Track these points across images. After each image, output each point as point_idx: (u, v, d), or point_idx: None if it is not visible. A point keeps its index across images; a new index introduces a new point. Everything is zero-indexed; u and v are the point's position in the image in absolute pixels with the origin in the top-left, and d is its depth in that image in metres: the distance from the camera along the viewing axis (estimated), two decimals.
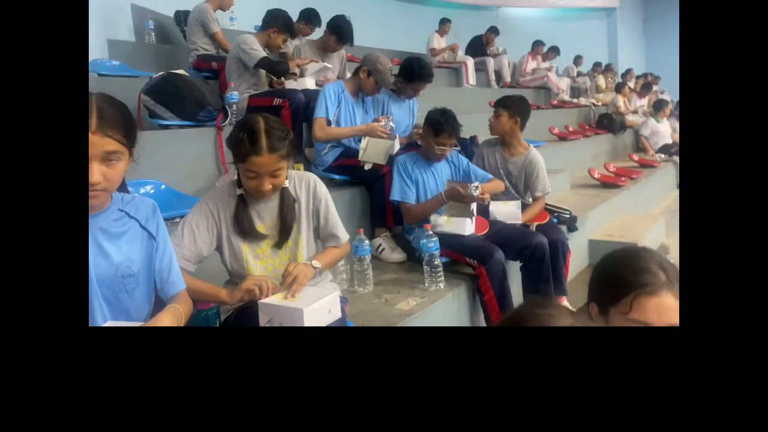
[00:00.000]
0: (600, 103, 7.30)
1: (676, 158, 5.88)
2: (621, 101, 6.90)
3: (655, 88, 8.56)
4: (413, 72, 2.86)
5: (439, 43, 6.77)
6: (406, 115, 3.11)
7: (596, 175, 4.55)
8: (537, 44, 7.59)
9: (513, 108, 2.72)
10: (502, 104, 2.75)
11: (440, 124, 2.38)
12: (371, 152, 2.63)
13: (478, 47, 7.14)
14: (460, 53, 6.80)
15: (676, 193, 5.62)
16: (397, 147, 2.67)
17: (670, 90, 9.48)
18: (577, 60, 8.69)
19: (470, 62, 6.60)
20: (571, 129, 5.98)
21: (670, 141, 6.23)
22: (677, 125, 6.61)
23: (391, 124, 2.70)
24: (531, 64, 7.36)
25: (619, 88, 7.15)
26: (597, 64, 8.74)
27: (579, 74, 8.44)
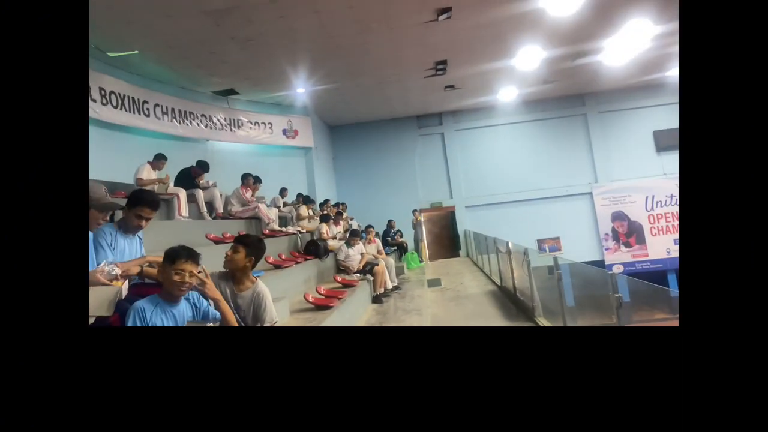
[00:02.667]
0: (305, 231, 8.27)
1: (370, 276, 7.09)
2: (324, 228, 8.02)
3: (345, 215, 10.23)
4: (136, 197, 2.79)
5: (150, 174, 6.61)
6: (135, 248, 2.89)
7: (311, 299, 5.08)
8: (246, 176, 8.21)
9: (251, 247, 2.94)
10: (241, 241, 2.95)
11: (175, 250, 2.37)
12: (93, 303, 2.36)
13: (188, 179, 7.24)
14: (171, 185, 6.78)
15: (372, 307, 6.71)
16: (125, 292, 2.48)
17: (356, 217, 11.49)
18: (283, 192, 9.75)
19: (182, 194, 6.62)
20: (283, 257, 6.55)
21: (360, 263, 7.48)
22: (371, 248, 8.02)
23: (116, 269, 2.47)
24: (247, 195, 7.86)
25: (325, 219, 8.31)
26: (299, 195, 9.98)
27: (285, 204, 9.44)
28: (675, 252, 13.93)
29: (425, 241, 13.84)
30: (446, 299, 8.17)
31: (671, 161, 14.42)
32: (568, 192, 14.63)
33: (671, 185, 14.20)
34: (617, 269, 13.33)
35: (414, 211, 13.68)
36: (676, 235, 14.00)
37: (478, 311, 7.29)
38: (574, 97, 14.92)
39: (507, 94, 13.71)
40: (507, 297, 8.03)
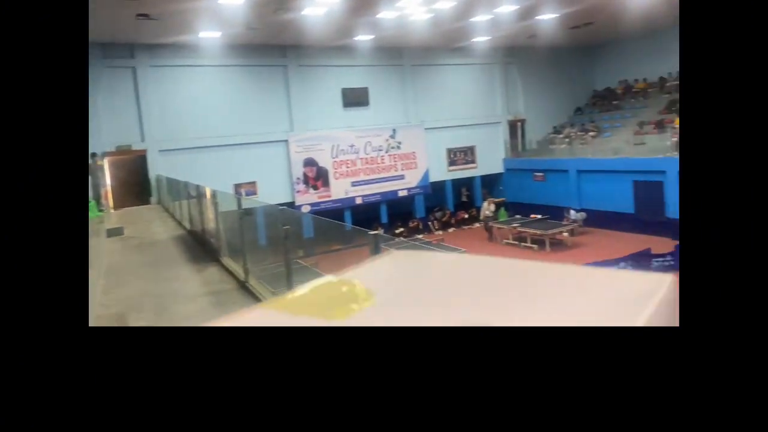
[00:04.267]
0: None
1: None
2: None
3: None
4: None
5: None
6: None
7: None
8: None
9: None
10: None
11: None
12: None
13: None
14: None
15: None
16: None
17: None
18: None
19: None
20: None
21: None
22: None
23: None
24: None
25: None
26: None
27: None
28: (352, 192, 16.79)
29: (109, 188, 12.73)
30: (129, 248, 8.04)
31: (354, 116, 16.96)
32: (266, 139, 15.58)
33: (352, 136, 16.81)
34: (305, 209, 15.28)
35: (93, 155, 12.29)
36: (354, 178, 16.87)
37: (163, 256, 7.50)
38: (276, 48, 15.66)
39: (210, 35, 13.41)
40: (196, 240, 8.44)
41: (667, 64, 18.57)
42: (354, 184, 16.86)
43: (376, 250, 3.56)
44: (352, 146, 16.79)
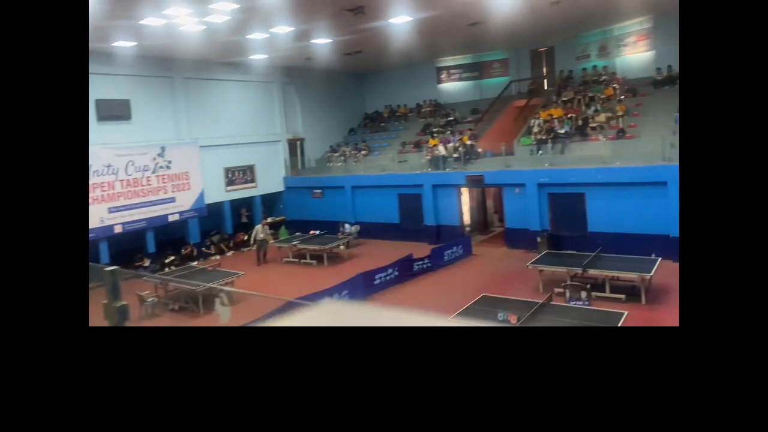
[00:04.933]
0: None
1: None
2: None
3: None
4: None
5: None
6: None
7: None
8: None
9: None
10: None
11: None
12: None
13: None
14: None
15: None
16: None
17: None
18: None
19: None
20: None
21: None
22: None
23: None
24: None
25: None
26: None
27: None
28: (109, 220, 14.77)
29: None
30: None
31: (112, 131, 14.98)
32: None
33: (110, 155, 14.80)
34: None
35: None
36: (112, 203, 14.91)
37: None
38: None
39: None
40: None
41: (422, 93, 21.49)
42: (112, 210, 14.84)
43: (114, 290, 3.08)
44: (109, 166, 14.76)
